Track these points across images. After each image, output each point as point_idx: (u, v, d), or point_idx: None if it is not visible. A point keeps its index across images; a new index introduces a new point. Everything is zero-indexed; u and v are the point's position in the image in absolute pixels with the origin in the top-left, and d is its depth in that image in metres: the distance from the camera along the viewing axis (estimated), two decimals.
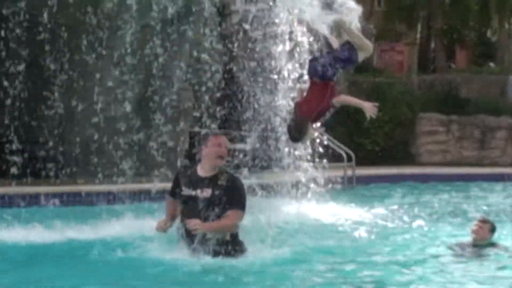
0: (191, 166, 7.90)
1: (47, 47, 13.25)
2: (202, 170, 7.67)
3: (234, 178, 7.74)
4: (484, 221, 8.89)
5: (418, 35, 30.72)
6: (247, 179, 14.47)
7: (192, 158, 14.86)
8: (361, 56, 9.07)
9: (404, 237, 10.21)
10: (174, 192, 7.88)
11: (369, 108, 8.63)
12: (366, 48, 9.10)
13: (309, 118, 8.70)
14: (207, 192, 7.53)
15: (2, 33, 13.04)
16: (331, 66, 8.87)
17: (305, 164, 14.15)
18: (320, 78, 8.80)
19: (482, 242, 8.70)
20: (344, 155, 17.78)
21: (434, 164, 22.05)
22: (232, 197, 7.58)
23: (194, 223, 7.41)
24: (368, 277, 7.63)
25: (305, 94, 9.10)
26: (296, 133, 8.68)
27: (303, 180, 13.90)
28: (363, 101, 8.85)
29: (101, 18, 13.47)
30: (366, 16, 30.88)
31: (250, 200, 12.90)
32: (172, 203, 7.90)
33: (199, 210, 7.50)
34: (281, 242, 9.22)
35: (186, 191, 7.64)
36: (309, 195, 13.66)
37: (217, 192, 7.51)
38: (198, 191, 7.56)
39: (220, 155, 7.62)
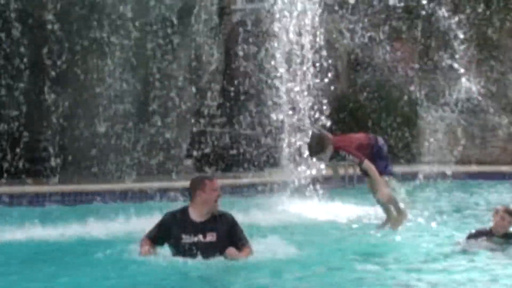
0: (179, 213, 7.67)
1: (48, 46, 13.25)
2: (197, 215, 7.56)
3: (231, 217, 7.72)
4: (509, 213, 8.73)
5: (419, 34, 30.64)
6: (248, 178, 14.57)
7: (192, 156, 14.89)
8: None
9: (407, 235, 10.18)
10: (157, 239, 7.69)
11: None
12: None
13: (335, 144, 9.54)
14: (212, 236, 7.49)
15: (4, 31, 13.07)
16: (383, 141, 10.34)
17: (306, 163, 14.15)
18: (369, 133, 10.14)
19: (499, 233, 8.67)
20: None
21: (435, 163, 22.00)
22: (239, 235, 7.65)
23: (232, 252, 7.50)
24: (371, 276, 7.62)
25: None
26: (318, 146, 9.06)
27: (304, 178, 13.89)
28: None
29: (102, 16, 13.46)
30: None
31: (251, 199, 13.04)
32: (151, 245, 7.68)
33: (203, 254, 7.44)
34: (281, 241, 9.22)
35: (187, 239, 7.49)
36: (310, 193, 13.65)
37: (222, 235, 7.52)
38: (200, 236, 7.48)
39: (216, 200, 7.57)
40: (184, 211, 7.63)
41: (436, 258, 8.43)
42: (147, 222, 9.30)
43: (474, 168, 20.20)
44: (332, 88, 20.68)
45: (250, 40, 17.06)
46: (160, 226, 7.70)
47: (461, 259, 8.31)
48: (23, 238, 9.24)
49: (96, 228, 9.90)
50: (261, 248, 8.09)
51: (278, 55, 14.82)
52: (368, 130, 21.57)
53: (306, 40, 14.68)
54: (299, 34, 14.67)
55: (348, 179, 17.46)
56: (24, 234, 9.42)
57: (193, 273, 7.26)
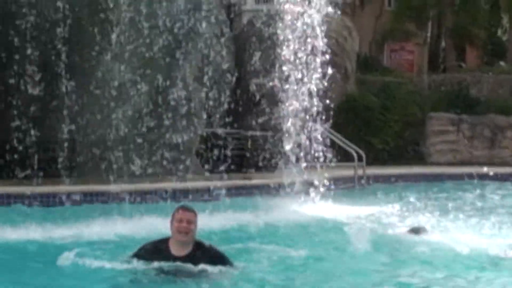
0: (160, 243, 7.29)
1: (57, 47, 13.28)
2: (174, 248, 7.19)
3: (210, 249, 7.28)
4: None
5: (428, 35, 30.69)
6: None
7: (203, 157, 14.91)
8: None
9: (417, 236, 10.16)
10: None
11: None
12: None
13: None
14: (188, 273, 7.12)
15: (12, 31, 13.11)
16: None
17: (316, 164, 14.16)
18: None
19: None
20: (355, 155, 17.75)
21: (444, 164, 22.02)
22: (224, 263, 7.30)
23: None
24: (379, 276, 7.62)
25: None
26: None
27: (314, 179, 13.89)
28: None
29: (113, 17, 13.49)
30: (376, 16, 31.01)
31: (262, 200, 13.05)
32: None
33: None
34: (291, 242, 9.24)
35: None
36: (320, 195, 13.66)
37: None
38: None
39: (180, 231, 7.10)
40: (164, 243, 7.26)
41: (456, 261, 8.40)
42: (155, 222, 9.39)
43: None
44: (342, 89, 20.74)
45: (260, 40, 17.08)
46: (138, 254, 7.35)
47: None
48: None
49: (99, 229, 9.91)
50: (270, 249, 8.08)
51: (287, 56, 14.83)
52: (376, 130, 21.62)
53: (316, 41, 14.70)
54: (309, 35, 14.69)
55: (358, 180, 17.47)
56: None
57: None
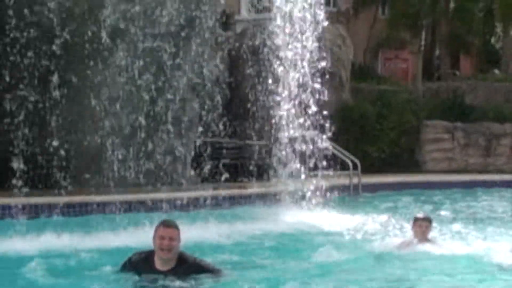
0: (146, 255, 7.23)
1: (54, 56, 13.28)
2: (158, 262, 7.12)
3: (194, 263, 7.20)
4: None
5: (423, 43, 30.73)
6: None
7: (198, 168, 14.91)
8: None
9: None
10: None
11: None
12: None
13: None
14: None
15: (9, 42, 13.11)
16: None
17: (311, 173, 14.16)
18: None
19: None
20: (350, 163, 17.76)
21: (439, 172, 22.03)
22: (209, 271, 7.26)
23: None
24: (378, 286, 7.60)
25: None
26: None
27: (309, 188, 13.90)
28: None
29: (107, 28, 13.49)
30: (370, 24, 31.07)
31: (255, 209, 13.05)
32: None
33: None
34: (286, 252, 9.23)
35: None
36: (315, 204, 13.66)
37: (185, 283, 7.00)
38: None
39: (162, 248, 7.01)
40: (149, 256, 7.19)
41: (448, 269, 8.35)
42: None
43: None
44: (337, 97, 20.75)
45: (254, 50, 17.10)
46: (123, 269, 7.33)
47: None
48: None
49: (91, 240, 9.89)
50: (262, 259, 8.06)
51: (281, 66, 14.86)
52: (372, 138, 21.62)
53: (309, 49, 14.72)
54: (302, 44, 14.72)
55: (353, 188, 17.48)
56: None
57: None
